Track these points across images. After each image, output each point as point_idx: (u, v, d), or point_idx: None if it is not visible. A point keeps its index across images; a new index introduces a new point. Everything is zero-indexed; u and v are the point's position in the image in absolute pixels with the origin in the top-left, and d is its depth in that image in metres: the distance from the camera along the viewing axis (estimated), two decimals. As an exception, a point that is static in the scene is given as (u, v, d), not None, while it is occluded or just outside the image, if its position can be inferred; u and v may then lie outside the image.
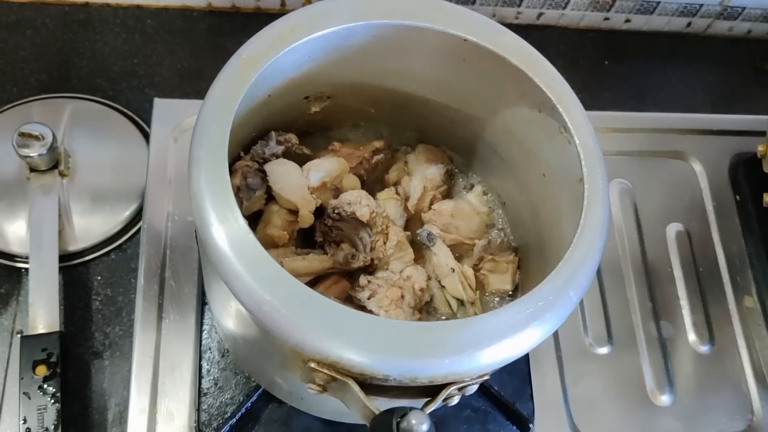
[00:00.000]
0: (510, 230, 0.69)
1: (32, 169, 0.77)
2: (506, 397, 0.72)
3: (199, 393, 0.69)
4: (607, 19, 1.03)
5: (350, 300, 0.61)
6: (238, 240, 0.45)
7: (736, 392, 0.80)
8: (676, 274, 0.86)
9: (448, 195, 0.70)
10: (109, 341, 0.74)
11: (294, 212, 0.60)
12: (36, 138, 0.74)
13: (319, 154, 0.66)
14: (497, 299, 0.65)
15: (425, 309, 0.64)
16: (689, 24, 1.05)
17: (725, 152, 0.94)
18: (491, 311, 0.46)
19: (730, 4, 1.01)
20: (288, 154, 0.63)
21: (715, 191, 0.91)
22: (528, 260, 0.65)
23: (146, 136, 0.83)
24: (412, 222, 0.67)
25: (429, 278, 0.63)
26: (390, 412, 0.42)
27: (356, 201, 0.60)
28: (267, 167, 0.60)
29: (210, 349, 0.71)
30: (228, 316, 0.59)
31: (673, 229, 0.88)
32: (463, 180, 0.72)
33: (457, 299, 0.63)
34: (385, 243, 0.61)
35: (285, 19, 0.53)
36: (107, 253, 0.78)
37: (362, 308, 0.59)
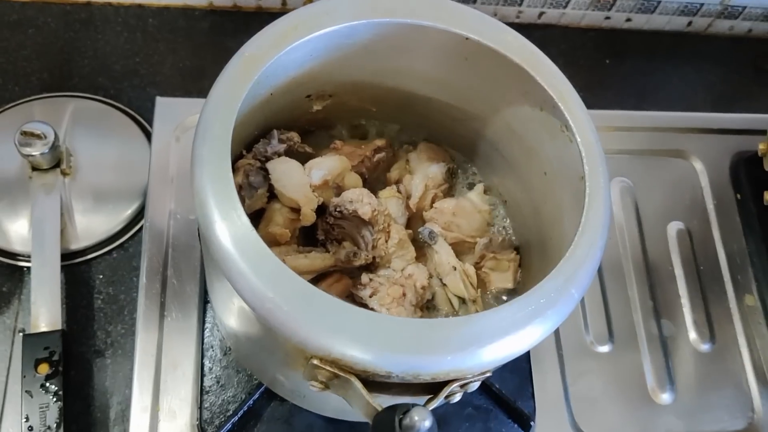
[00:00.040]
0: (511, 228, 0.69)
1: (34, 168, 0.77)
2: (507, 395, 0.72)
3: (201, 391, 0.69)
4: (608, 18, 1.03)
5: (352, 298, 0.61)
6: (241, 237, 0.45)
7: (737, 390, 0.80)
8: (676, 272, 0.86)
9: (449, 193, 0.70)
10: (111, 340, 0.74)
11: (296, 210, 0.60)
12: (38, 137, 0.74)
13: (320, 152, 0.66)
14: (499, 297, 0.66)
15: (427, 307, 0.64)
16: (690, 23, 1.05)
17: (726, 151, 0.94)
18: (493, 308, 0.46)
19: (730, 4, 1.01)
20: (290, 153, 0.63)
21: (716, 190, 0.91)
22: (529, 258, 0.66)
23: (148, 135, 0.83)
24: (414, 220, 0.67)
25: (430, 276, 0.63)
26: (392, 409, 0.42)
27: (358, 199, 0.60)
28: (269, 165, 0.61)
29: (212, 347, 0.71)
30: (230, 314, 0.59)
31: (674, 227, 0.88)
32: (464, 178, 0.72)
33: (459, 297, 0.64)
34: (386, 241, 0.62)
35: (287, 17, 0.53)
36: (109, 252, 0.78)
37: (364, 306, 0.59)
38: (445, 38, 0.56)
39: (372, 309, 0.58)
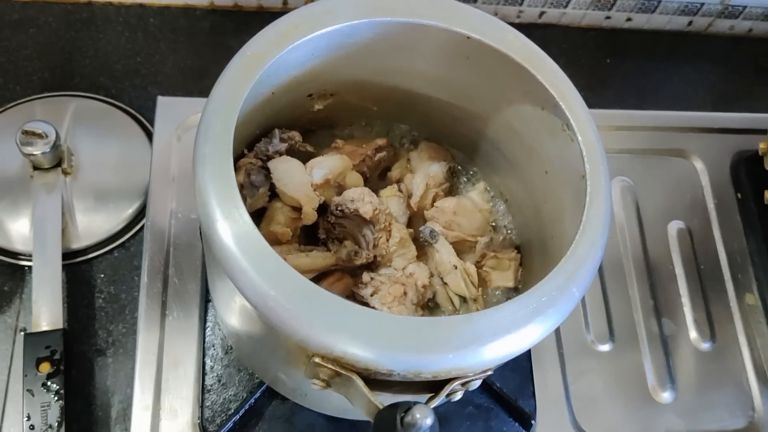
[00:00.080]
0: (512, 227, 0.69)
1: (35, 167, 0.77)
2: (508, 393, 0.73)
3: (203, 390, 0.69)
4: (608, 17, 1.03)
5: (353, 297, 0.61)
6: (243, 236, 0.45)
7: (738, 389, 0.80)
8: (677, 271, 0.86)
9: (450, 192, 0.70)
10: (112, 339, 0.74)
11: (297, 209, 0.61)
12: (39, 136, 0.74)
13: (322, 151, 0.66)
14: (500, 296, 0.66)
15: (428, 306, 0.64)
16: (690, 23, 1.05)
17: (726, 150, 0.94)
18: (494, 307, 0.47)
19: (731, 3, 1.01)
20: (291, 152, 0.63)
21: (717, 189, 0.91)
22: (530, 257, 0.66)
23: (149, 135, 0.83)
24: (415, 219, 0.67)
25: (431, 275, 0.63)
26: (394, 407, 0.42)
27: (359, 198, 0.60)
28: (270, 164, 0.61)
29: (213, 346, 0.71)
30: (232, 313, 0.60)
31: (674, 226, 0.88)
32: (465, 177, 0.72)
33: (460, 296, 0.64)
34: (387, 240, 0.62)
35: (289, 16, 0.54)
36: (110, 251, 0.78)
37: (365, 305, 0.58)
38: (447, 37, 0.56)
39: (373, 308, 0.58)
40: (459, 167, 0.72)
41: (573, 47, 1.03)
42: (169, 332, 0.71)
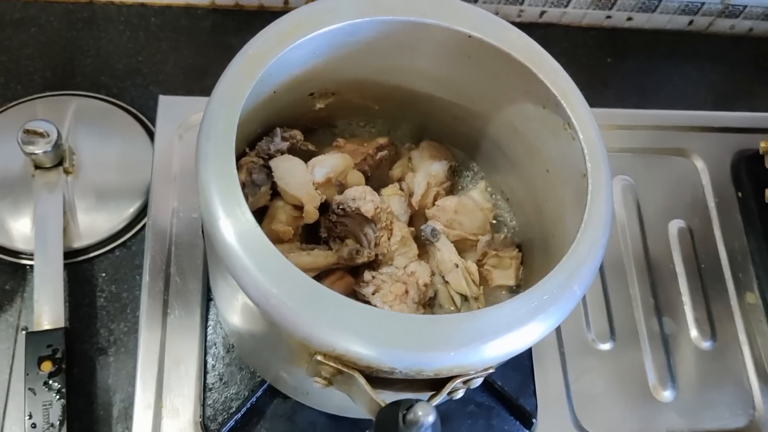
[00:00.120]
0: (513, 226, 0.69)
1: (37, 167, 0.77)
2: (510, 392, 0.73)
3: (205, 388, 0.69)
4: (609, 17, 1.03)
5: (354, 295, 0.61)
6: (245, 234, 0.45)
7: (738, 388, 0.81)
8: (678, 270, 0.86)
9: (451, 191, 0.70)
10: (113, 338, 0.74)
11: (299, 208, 0.61)
12: (41, 135, 0.74)
13: (323, 150, 0.66)
14: (501, 295, 0.66)
15: (429, 304, 0.64)
16: (691, 22, 1.05)
17: (727, 149, 0.94)
18: (496, 305, 0.47)
19: (731, 3, 1.01)
20: (293, 151, 0.63)
21: (717, 188, 0.91)
22: (531, 256, 0.66)
23: (150, 134, 0.83)
24: (416, 218, 0.67)
25: (433, 274, 0.63)
26: (396, 405, 0.42)
27: (361, 197, 0.60)
28: (272, 163, 0.61)
29: (215, 344, 0.71)
30: (234, 311, 0.60)
31: (675, 225, 0.88)
32: (466, 176, 0.72)
33: (461, 295, 0.64)
34: (389, 239, 0.62)
35: (291, 15, 0.54)
36: (112, 250, 0.78)
37: (366, 303, 0.59)
38: (448, 36, 0.56)
39: (374, 306, 0.58)
40: (460, 166, 0.72)
41: (574, 46, 1.03)
42: (171, 331, 0.71)
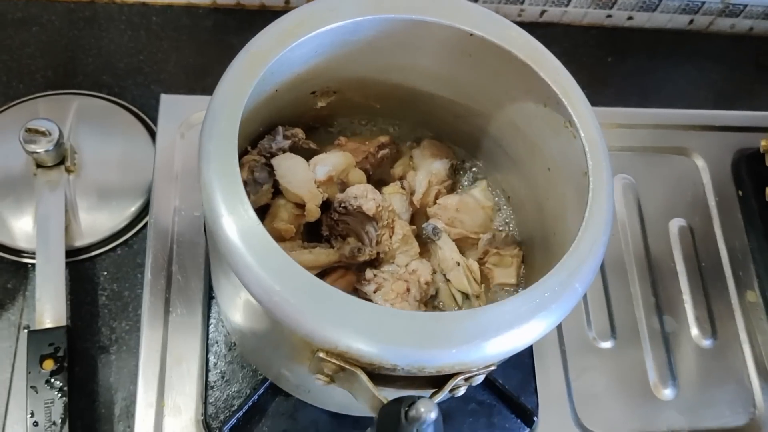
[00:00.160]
0: (515, 224, 0.69)
1: (39, 165, 0.77)
2: (511, 390, 0.73)
3: (206, 386, 0.69)
4: (609, 16, 1.03)
5: (356, 293, 0.61)
6: (248, 231, 0.45)
7: (739, 386, 0.81)
8: (678, 269, 0.86)
9: (452, 190, 0.70)
10: (115, 336, 0.74)
11: (301, 206, 0.61)
12: (43, 134, 0.74)
13: (325, 148, 0.66)
14: (502, 293, 0.66)
15: (430, 302, 0.64)
16: (691, 21, 1.05)
17: (728, 148, 0.94)
18: (498, 302, 0.47)
19: (731, 2, 1.02)
20: (294, 149, 0.64)
21: (718, 187, 0.91)
22: (533, 254, 0.66)
23: (152, 133, 0.84)
24: (418, 216, 0.67)
25: (434, 272, 0.63)
26: (398, 401, 0.42)
27: (362, 195, 0.60)
28: (274, 161, 0.61)
29: (217, 342, 0.71)
30: (236, 309, 0.60)
31: (675, 224, 0.89)
32: (467, 175, 0.72)
33: (462, 293, 0.64)
34: (390, 237, 0.62)
35: (293, 13, 0.54)
36: (113, 249, 0.78)
37: (368, 301, 0.59)
38: (450, 34, 0.56)
39: (376, 304, 0.58)
40: (461, 165, 0.72)
41: (574, 46, 1.03)
42: (173, 329, 0.71)
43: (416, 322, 0.45)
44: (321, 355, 0.45)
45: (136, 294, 0.76)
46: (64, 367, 0.67)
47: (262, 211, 0.62)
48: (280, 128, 0.63)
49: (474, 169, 0.72)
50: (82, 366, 0.72)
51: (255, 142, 0.63)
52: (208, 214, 0.46)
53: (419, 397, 0.41)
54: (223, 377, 0.70)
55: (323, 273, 0.61)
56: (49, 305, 0.70)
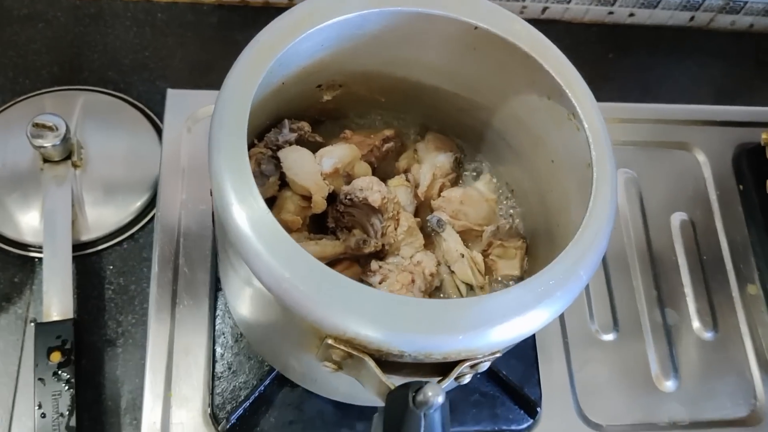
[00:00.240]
0: (518, 216, 0.70)
1: (45, 160, 0.78)
2: (514, 381, 0.74)
3: (213, 377, 0.70)
4: (611, 13, 1.04)
5: (361, 285, 0.62)
6: (258, 220, 0.45)
7: (740, 378, 0.81)
8: (680, 262, 0.87)
9: (457, 182, 0.70)
10: (122, 329, 0.75)
11: (307, 198, 0.61)
12: (50, 129, 0.75)
13: (330, 142, 0.66)
14: (506, 284, 0.66)
15: (435, 294, 0.65)
16: (692, 18, 1.06)
17: (728, 143, 0.95)
18: (503, 290, 0.47)
19: (732, -1, 1.02)
20: (301, 142, 0.64)
21: (719, 181, 0.92)
22: (536, 246, 0.66)
23: (157, 128, 0.84)
24: (422, 209, 0.68)
25: (439, 264, 0.63)
26: (405, 387, 0.43)
27: (368, 187, 0.60)
28: (281, 154, 0.61)
29: (223, 334, 0.72)
30: (244, 299, 0.60)
31: (677, 218, 0.89)
32: (471, 168, 0.72)
33: (467, 284, 0.64)
34: (396, 229, 0.62)
35: (300, 6, 0.54)
36: (119, 243, 0.79)
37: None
38: (455, 27, 0.57)
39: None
40: (465, 157, 0.72)
41: (576, 43, 1.04)
42: (180, 321, 0.72)
43: (423, 309, 0.45)
44: (329, 341, 0.45)
45: (142, 288, 0.77)
46: (71, 359, 0.68)
47: (269, 204, 0.62)
48: (286, 121, 0.63)
49: (478, 162, 0.72)
50: (88, 359, 0.73)
51: (262, 134, 0.63)
52: (218, 202, 0.46)
53: (426, 382, 0.42)
54: (229, 368, 0.71)
55: (329, 264, 0.61)
56: (56, 298, 0.71)
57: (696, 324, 0.83)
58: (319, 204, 0.60)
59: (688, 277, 0.86)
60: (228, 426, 0.68)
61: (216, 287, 0.74)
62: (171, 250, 0.75)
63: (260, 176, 0.60)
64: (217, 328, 0.72)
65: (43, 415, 0.66)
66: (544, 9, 1.02)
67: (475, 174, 0.72)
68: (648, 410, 0.77)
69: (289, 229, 0.60)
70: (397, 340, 0.44)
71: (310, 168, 0.61)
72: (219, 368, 0.70)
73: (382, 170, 0.69)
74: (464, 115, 0.68)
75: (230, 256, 0.55)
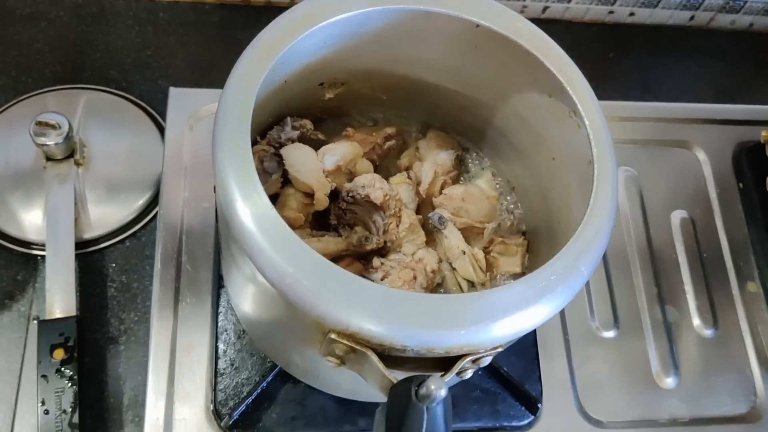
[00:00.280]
0: (519, 214, 0.70)
1: (48, 158, 0.78)
2: (515, 378, 0.74)
3: (216, 374, 0.70)
4: (611, 12, 1.04)
5: (364, 281, 0.62)
6: (262, 216, 0.46)
7: (740, 375, 0.82)
8: (680, 260, 0.87)
9: (458, 180, 0.71)
10: (124, 327, 0.75)
11: (309, 195, 0.61)
12: (53, 127, 0.75)
13: (332, 139, 0.67)
14: (507, 281, 0.67)
15: (437, 291, 0.65)
16: (692, 17, 1.06)
17: (728, 141, 0.95)
18: (505, 285, 0.48)
19: (731, -2, 1.03)
20: (303, 140, 0.64)
21: (719, 179, 0.92)
22: (537, 243, 0.67)
23: (159, 127, 0.84)
24: (424, 206, 0.68)
25: (440, 260, 0.64)
26: (408, 380, 0.43)
27: (370, 184, 0.61)
28: (283, 151, 0.62)
29: (226, 330, 0.72)
30: (247, 296, 0.60)
31: (677, 216, 0.90)
32: (473, 165, 0.73)
33: (468, 281, 0.64)
34: (397, 226, 0.62)
35: (303, 4, 0.54)
36: (122, 241, 0.79)
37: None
38: (456, 25, 0.57)
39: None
40: (466, 155, 0.73)
41: (576, 42, 1.03)
42: (182, 318, 0.72)
43: (426, 304, 0.45)
44: (333, 336, 0.45)
45: (144, 286, 0.77)
46: (74, 356, 0.68)
47: (272, 201, 0.62)
48: (288, 119, 0.64)
49: (479, 159, 0.73)
50: (91, 356, 0.73)
51: (264, 132, 0.64)
52: (222, 199, 0.47)
53: (429, 376, 0.42)
54: (232, 365, 0.71)
55: (331, 261, 0.61)
56: (59, 296, 0.71)
57: (696, 321, 0.84)
58: (322, 201, 0.61)
59: (689, 275, 0.86)
60: (230, 422, 0.68)
61: (218, 284, 0.74)
62: (173, 248, 0.75)
63: (263, 173, 0.61)
64: (219, 324, 0.72)
65: (47, 412, 0.66)
66: (545, 8, 1.02)
67: (476, 171, 0.72)
68: (648, 407, 0.78)
69: (292, 226, 0.60)
70: (400, 334, 0.44)
71: (312, 165, 0.61)
72: (221, 365, 0.71)
73: (384, 168, 0.69)
74: (465, 112, 0.68)
75: (233, 253, 0.55)
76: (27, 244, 0.77)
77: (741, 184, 0.92)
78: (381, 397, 0.47)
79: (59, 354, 0.68)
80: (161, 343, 0.71)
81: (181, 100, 0.83)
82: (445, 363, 0.47)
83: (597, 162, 0.53)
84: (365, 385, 0.50)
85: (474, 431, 0.73)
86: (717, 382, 0.80)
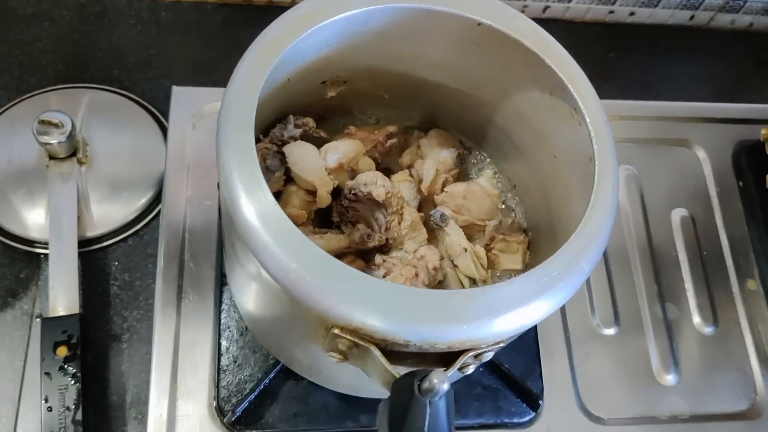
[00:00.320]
0: (521, 212, 0.70)
1: (51, 157, 0.78)
2: (517, 375, 0.74)
3: (219, 371, 0.71)
4: (611, 12, 1.04)
5: (366, 278, 0.62)
6: (266, 212, 0.46)
7: (740, 372, 0.82)
8: (680, 258, 0.87)
9: (459, 178, 0.71)
10: (127, 325, 0.75)
11: (312, 193, 0.62)
12: (56, 125, 0.75)
13: (335, 137, 0.67)
14: (508, 278, 0.67)
15: (438, 288, 0.65)
16: (692, 17, 1.07)
17: (728, 140, 0.95)
18: (507, 281, 0.48)
19: (731, -2, 1.03)
20: (305, 138, 0.64)
21: (719, 177, 0.93)
22: (538, 241, 0.67)
23: (162, 126, 0.85)
24: (425, 204, 0.68)
25: (442, 258, 0.64)
26: (411, 375, 0.43)
27: (372, 182, 0.61)
28: (286, 149, 0.62)
29: (229, 327, 0.73)
30: (250, 292, 0.61)
31: (677, 214, 0.90)
32: (474, 163, 0.73)
33: (470, 278, 0.65)
34: (399, 223, 0.63)
35: (305, 3, 0.55)
36: (124, 239, 0.79)
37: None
38: (458, 23, 0.57)
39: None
40: (468, 153, 0.73)
41: (576, 42, 1.03)
42: (185, 315, 0.73)
43: (428, 299, 0.46)
44: (336, 331, 0.45)
45: (147, 283, 0.77)
46: (77, 354, 0.69)
47: (274, 198, 0.63)
48: (291, 117, 0.64)
49: (480, 157, 0.73)
50: (94, 354, 0.73)
51: (267, 130, 0.64)
52: (226, 195, 0.47)
53: (432, 371, 0.42)
54: (235, 362, 0.71)
55: (333, 258, 0.62)
56: (62, 294, 0.71)
57: (696, 319, 0.84)
58: (324, 198, 0.61)
59: (689, 273, 0.86)
60: (233, 418, 0.68)
61: (221, 282, 0.74)
62: (176, 246, 0.75)
63: (266, 171, 0.61)
64: (222, 322, 0.73)
65: (50, 409, 0.66)
66: (545, 8, 1.02)
67: (477, 169, 0.73)
68: (649, 404, 0.78)
69: (295, 223, 0.60)
70: (403, 329, 0.45)
71: (314, 163, 0.61)
72: (224, 361, 0.71)
73: (386, 166, 0.69)
74: (467, 111, 0.68)
75: (237, 249, 0.55)
76: (30, 243, 0.77)
77: (741, 183, 0.92)
78: (383, 394, 0.47)
79: (62, 351, 0.69)
80: (164, 341, 0.71)
81: (183, 98, 0.83)
82: (447, 358, 0.48)
83: (598, 159, 0.54)
84: (368, 381, 0.50)
85: (475, 428, 0.73)
86: (717, 380, 0.81)
